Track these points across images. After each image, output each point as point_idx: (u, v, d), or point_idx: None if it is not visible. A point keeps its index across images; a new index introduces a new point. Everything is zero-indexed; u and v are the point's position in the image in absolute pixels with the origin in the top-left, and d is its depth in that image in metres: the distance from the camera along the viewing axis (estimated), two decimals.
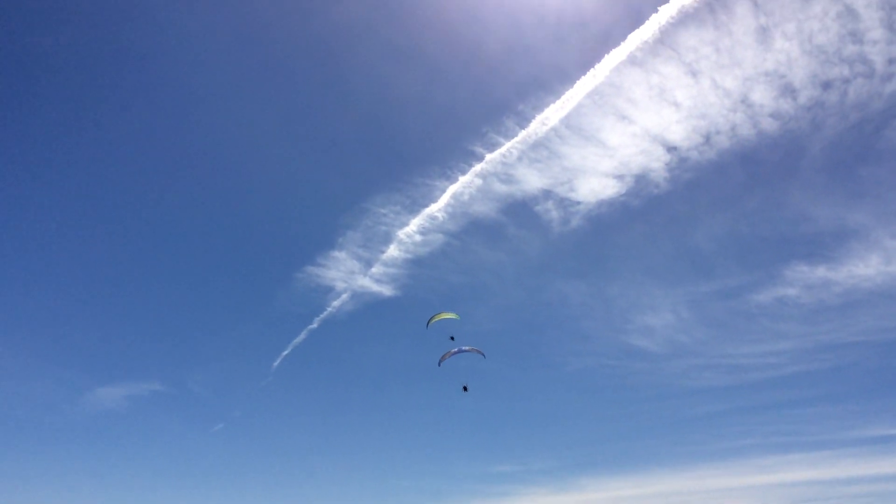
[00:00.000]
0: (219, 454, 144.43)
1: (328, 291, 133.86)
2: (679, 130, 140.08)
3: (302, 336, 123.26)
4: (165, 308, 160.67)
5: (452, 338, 58.20)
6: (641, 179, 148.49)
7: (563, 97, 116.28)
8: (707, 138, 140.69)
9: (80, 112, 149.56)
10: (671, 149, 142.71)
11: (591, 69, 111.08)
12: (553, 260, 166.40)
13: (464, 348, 55.60)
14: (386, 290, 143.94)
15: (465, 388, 57.31)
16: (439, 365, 55.86)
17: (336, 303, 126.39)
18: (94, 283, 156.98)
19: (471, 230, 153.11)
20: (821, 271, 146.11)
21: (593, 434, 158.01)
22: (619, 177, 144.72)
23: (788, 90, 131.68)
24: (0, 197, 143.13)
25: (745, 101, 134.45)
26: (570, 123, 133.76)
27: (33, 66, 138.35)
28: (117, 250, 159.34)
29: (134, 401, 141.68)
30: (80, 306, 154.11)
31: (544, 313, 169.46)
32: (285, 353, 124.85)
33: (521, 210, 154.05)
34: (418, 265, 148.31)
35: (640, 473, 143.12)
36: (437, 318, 57.51)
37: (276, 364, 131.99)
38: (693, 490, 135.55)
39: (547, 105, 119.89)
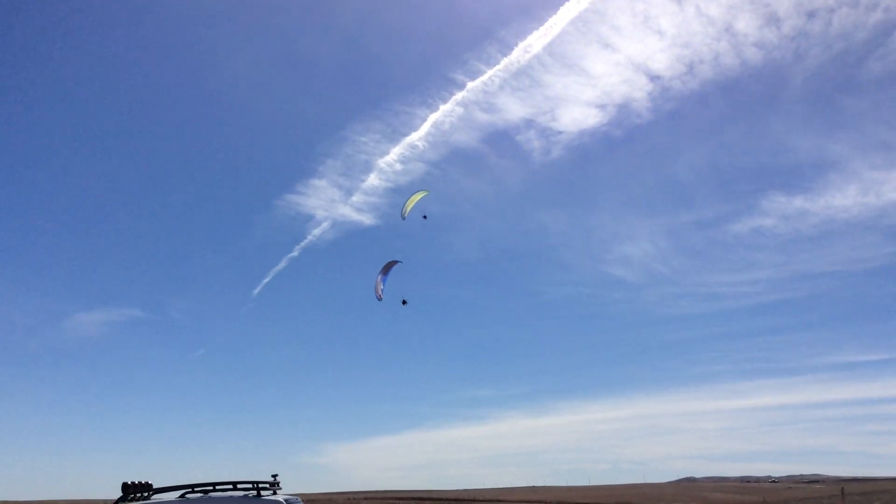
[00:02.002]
0: (199, 380, 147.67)
1: (308, 220, 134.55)
2: (662, 59, 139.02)
3: (283, 264, 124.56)
4: (145, 234, 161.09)
5: (425, 216, 59.54)
6: (624, 109, 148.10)
7: (547, 24, 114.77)
8: (690, 67, 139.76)
9: (66, 43, 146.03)
10: (654, 78, 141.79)
11: None
12: (534, 190, 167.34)
13: (382, 269, 56.10)
14: (366, 219, 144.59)
15: (404, 302, 58.05)
16: (380, 300, 56.29)
17: (317, 231, 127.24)
18: (73, 209, 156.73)
19: (451, 159, 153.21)
20: (798, 202, 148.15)
21: (570, 360, 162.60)
22: (602, 106, 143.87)
23: (773, 19, 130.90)
24: None
25: (729, 29, 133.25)
26: (553, 51, 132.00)
27: None
28: (97, 177, 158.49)
29: (113, 326, 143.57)
30: (60, 232, 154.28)
31: (524, 243, 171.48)
32: (266, 280, 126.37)
33: (502, 139, 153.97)
34: (399, 194, 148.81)
35: (615, 397, 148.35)
36: (410, 205, 58.02)
37: (256, 291, 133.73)
38: (666, 413, 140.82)
39: (530, 32, 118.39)
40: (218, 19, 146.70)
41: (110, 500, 11.41)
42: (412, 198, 58.52)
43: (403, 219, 59.42)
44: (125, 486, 10.30)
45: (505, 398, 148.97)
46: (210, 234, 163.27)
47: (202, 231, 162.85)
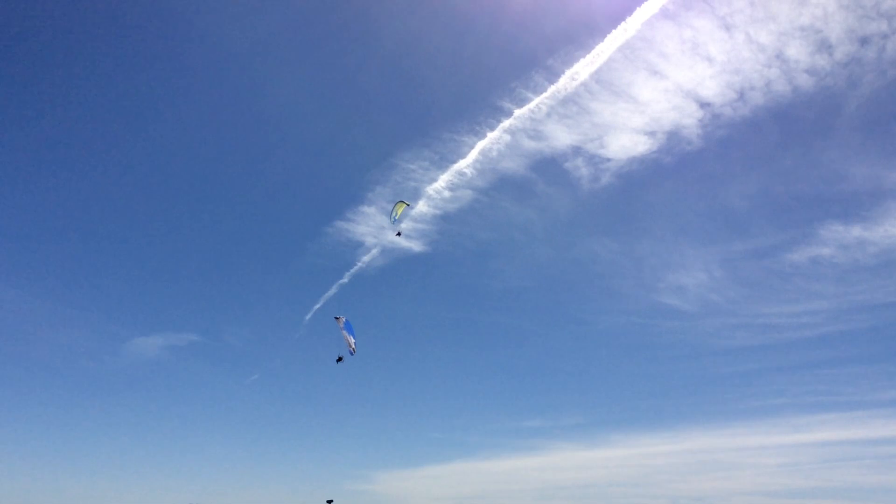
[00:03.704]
0: (254, 404, 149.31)
1: (358, 246, 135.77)
2: (712, 86, 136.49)
3: (333, 290, 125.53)
4: (202, 261, 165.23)
5: (399, 234, 61.80)
6: (673, 136, 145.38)
7: (594, 51, 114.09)
8: (741, 94, 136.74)
9: (127, 69, 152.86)
10: (704, 105, 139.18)
11: (622, 23, 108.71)
12: (582, 217, 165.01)
13: (340, 325, 57.09)
14: (415, 246, 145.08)
15: (339, 359, 58.11)
16: (352, 354, 57.30)
17: (366, 258, 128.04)
18: (134, 237, 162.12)
19: (499, 186, 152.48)
20: (856, 231, 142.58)
21: (623, 391, 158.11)
22: (651, 133, 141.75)
23: (825, 46, 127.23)
24: (42, 158, 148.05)
25: (780, 56, 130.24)
26: (600, 78, 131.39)
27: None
28: (157, 206, 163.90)
29: (172, 351, 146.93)
30: (122, 260, 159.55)
31: (573, 270, 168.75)
32: (317, 306, 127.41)
33: (550, 167, 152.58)
34: (447, 221, 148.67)
35: (670, 431, 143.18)
36: (397, 215, 59.91)
37: (308, 317, 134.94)
38: (723, 448, 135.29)
39: (577, 60, 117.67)
40: (268, 50, 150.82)
41: None
42: (398, 210, 60.63)
43: (393, 223, 61.71)
44: None
45: (557, 429, 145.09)
46: (264, 261, 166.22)
47: (256, 258, 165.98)
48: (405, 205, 62.61)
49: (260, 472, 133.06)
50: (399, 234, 66.05)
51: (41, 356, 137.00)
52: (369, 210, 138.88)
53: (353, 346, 57.33)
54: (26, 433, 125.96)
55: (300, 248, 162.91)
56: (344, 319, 58.37)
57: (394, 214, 62.67)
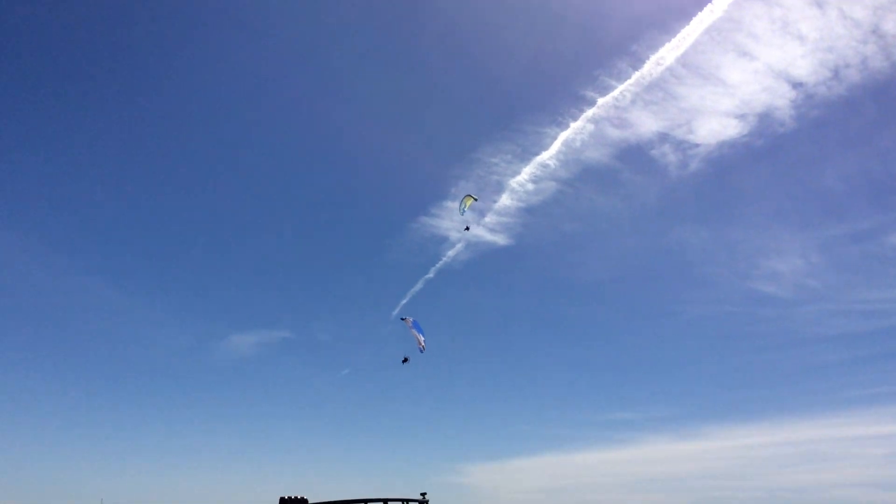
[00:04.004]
0: (346, 398, 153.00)
1: (443, 241, 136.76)
2: (805, 65, 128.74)
3: (419, 285, 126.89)
4: (292, 261, 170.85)
5: (467, 228, 62.70)
6: (765, 118, 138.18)
7: (679, 35, 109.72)
8: (836, 73, 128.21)
9: (222, 66, 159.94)
10: (797, 85, 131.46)
11: (709, 4, 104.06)
12: (671, 205, 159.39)
13: (408, 325, 58.75)
14: (500, 239, 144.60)
15: (405, 360, 58.46)
16: (422, 351, 58.54)
17: (451, 252, 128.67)
18: (229, 240, 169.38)
19: (583, 177, 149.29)
20: None
21: (717, 382, 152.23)
22: (741, 116, 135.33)
23: None
24: (145, 166, 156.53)
25: (876, 31, 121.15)
26: (686, 62, 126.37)
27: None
28: (249, 210, 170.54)
29: (265, 347, 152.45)
30: (218, 262, 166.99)
31: (663, 260, 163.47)
32: (404, 302, 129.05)
33: (635, 154, 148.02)
34: (531, 213, 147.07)
35: (766, 421, 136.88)
36: (466, 207, 61.06)
37: (395, 313, 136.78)
38: (824, 438, 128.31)
39: (661, 44, 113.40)
40: (350, 49, 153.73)
41: None
42: (466, 204, 61.88)
43: (461, 215, 62.96)
44: (282, 501, 10.58)
45: (648, 421, 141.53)
46: (351, 259, 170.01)
47: (344, 256, 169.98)
48: (472, 199, 65.20)
49: (352, 464, 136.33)
50: (467, 228, 68.27)
51: (143, 355, 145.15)
52: (453, 205, 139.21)
53: (423, 344, 59.29)
54: (130, 429, 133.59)
55: (386, 244, 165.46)
56: (412, 320, 60.28)
57: (462, 206, 65.47)
